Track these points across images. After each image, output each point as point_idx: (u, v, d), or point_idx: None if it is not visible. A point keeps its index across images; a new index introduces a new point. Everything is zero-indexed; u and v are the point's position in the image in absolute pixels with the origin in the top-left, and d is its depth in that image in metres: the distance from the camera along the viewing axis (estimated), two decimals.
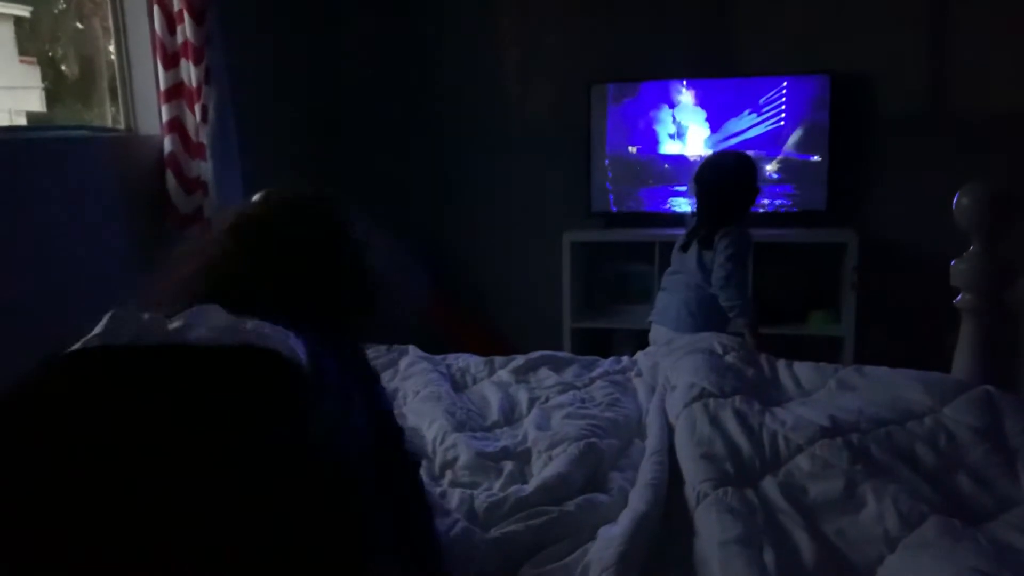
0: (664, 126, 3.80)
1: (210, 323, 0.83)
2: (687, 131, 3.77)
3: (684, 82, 3.76)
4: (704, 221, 2.70)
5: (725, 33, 3.83)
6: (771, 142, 3.67)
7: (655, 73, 3.81)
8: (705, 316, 2.64)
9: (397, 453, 1.17)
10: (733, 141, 3.70)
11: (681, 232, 2.86)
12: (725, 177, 2.70)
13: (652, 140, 3.83)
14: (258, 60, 3.67)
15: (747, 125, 3.69)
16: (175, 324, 0.82)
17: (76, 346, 0.84)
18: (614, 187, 3.90)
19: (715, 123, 3.74)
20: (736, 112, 3.70)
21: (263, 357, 0.80)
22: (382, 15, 4.22)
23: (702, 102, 3.75)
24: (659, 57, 3.87)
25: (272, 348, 0.81)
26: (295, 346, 0.84)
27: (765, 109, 3.67)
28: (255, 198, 1.22)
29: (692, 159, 3.73)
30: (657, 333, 2.77)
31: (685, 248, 2.74)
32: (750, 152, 3.15)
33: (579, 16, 3.98)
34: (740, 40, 3.81)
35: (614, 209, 3.92)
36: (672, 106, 3.78)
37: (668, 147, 3.82)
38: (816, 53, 3.68)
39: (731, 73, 3.74)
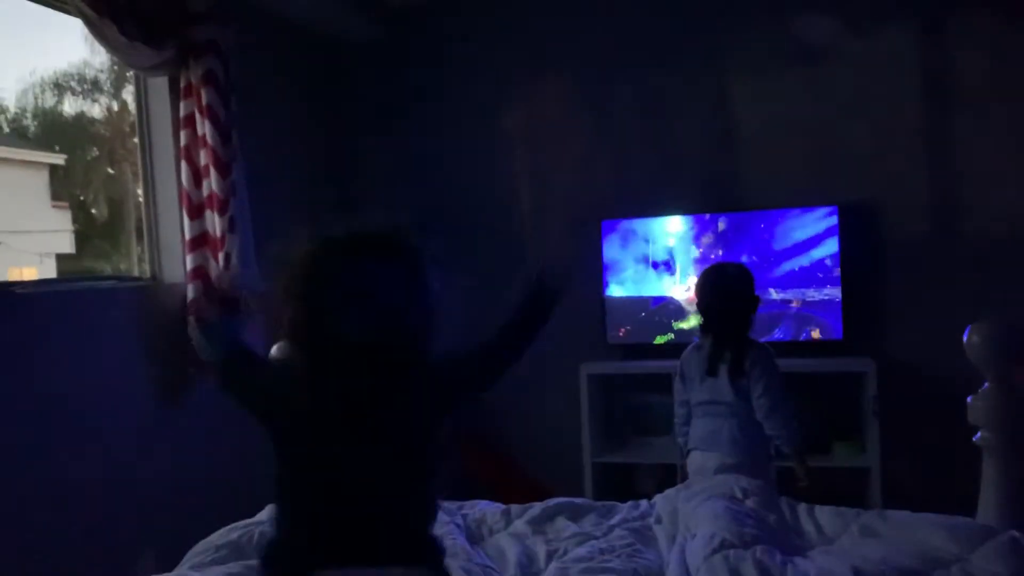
0: (676, 257, 3.86)
1: None
2: (692, 266, 3.82)
3: (693, 217, 3.84)
4: (722, 343, 2.67)
5: (732, 168, 3.93)
6: (784, 272, 3.71)
7: (664, 209, 3.90)
8: (756, 440, 2.60)
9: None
10: None
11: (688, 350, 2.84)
12: (729, 290, 2.69)
13: (665, 270, 3.88)
14: (280, 206, 3.78)
15: (758, 259, 3.73)
16: None
17: None
18: (631, 318, 3.93)
19: (728, 257, 3.79)
20: (747, 245, 3.76)
21: None
22: (398, 147, 4.34)
23: (715, 235, 3.81)
24: (667, 193, 3.96)
25: None
26: None
27: (776, 241, 3.73)
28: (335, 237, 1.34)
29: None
30: (706, 460, 2.66)
31: (712, 373, 2.68)
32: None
33: (590, 153, 4.10)
34: (746, 174, 3.90)
35: (631, 340, 3.94)
36: (682, 238, 3.85)
37: (675, 288, 3.89)
38: (823, 184, 3.76)
39: (738, 207, 3.81)
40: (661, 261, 3.89)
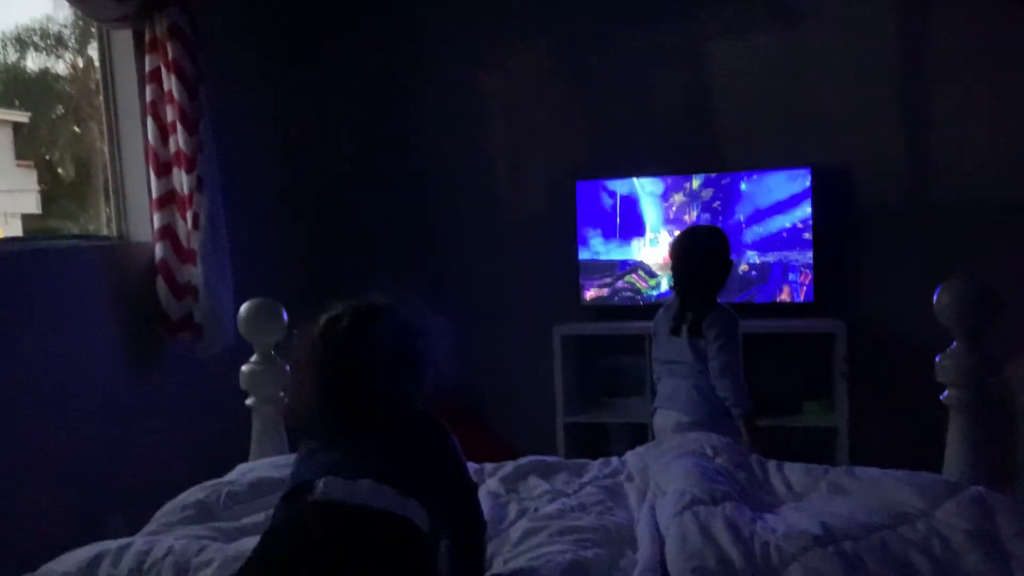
0: (650, 220, 3.85)
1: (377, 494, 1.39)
2: (669, 227, 3.82)
3: (668, 178, 3.83)
4: (687, 304, 2.70)
5: (708, 130, 3.92)
6: (757, 235, 3.72)
7: (639, 169, 3.89)
8: (714, 400, 2.61)
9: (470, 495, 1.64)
10: None
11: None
12: (701, 254, 2.69)
13: (638, 233, 3.88)
14: (250, 167, 3.73)
15: (732, 220, 3.74)
16: (362, 489, 1.39)
17: (313, 498, 1.39)
18: (604, 279, 3.93)
19: (702, 219, 3.79)
20: (722, 207, 3.76)
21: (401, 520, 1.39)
22: (372, 116, 4.32)
23: (691, 196, 3.81)
24: (642, 154, 3.96)
25: (405, 515, 1.39)
26: (413, 509, 1.41)
27: (750, 203, 3.73)
28: (337, 310, 1.57)
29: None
30: (665, 418, 2.72)
31: (675, 332, 2.72)
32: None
33: (566, 114, 4.08)
34: (722, 136, 3.90)
35: (605, 302, 3.95)
36: (657, 200, 3.84)
37: (645, 249, 3.89)
38: (797, 147, 3.76)
39: (714, 169, 3.81)
40: (634, 222, 3.89)
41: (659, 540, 1.69)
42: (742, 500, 1.80)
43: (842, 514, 1.70)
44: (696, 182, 3.80)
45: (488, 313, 4.20)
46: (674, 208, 3.84)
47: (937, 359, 2.09)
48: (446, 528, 1.55)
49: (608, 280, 3.94)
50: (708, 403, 2.62)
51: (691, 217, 3.80)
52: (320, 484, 1.40)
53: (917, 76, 3.70)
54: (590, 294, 3.96)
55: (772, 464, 2.04)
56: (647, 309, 3.81)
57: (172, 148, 3.12)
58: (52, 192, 3.81)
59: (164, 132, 3.12)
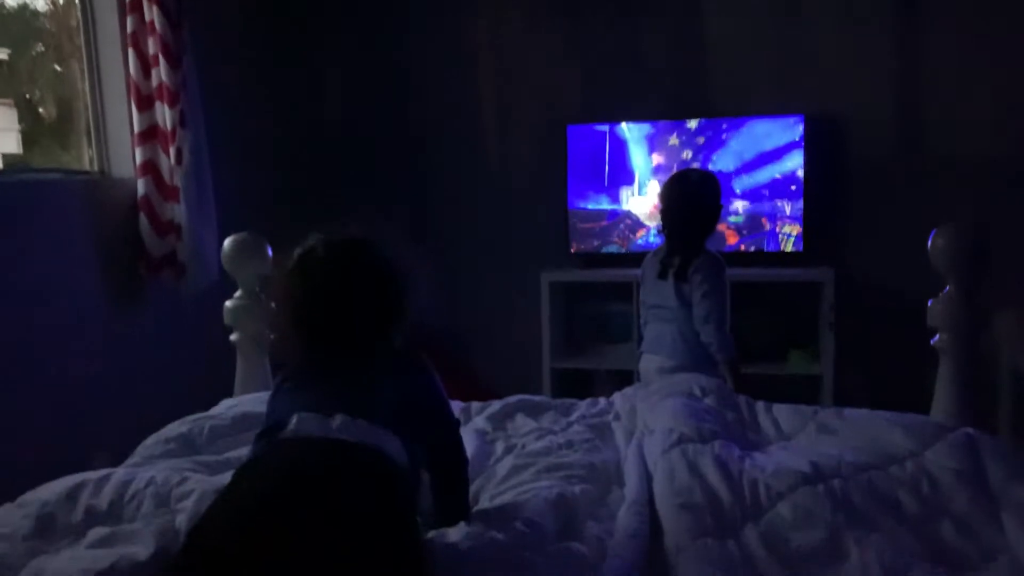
0: (639, 168, 3.81)
1: (350, 427, 1.35)
2: (659, 175, 3.78)
3: (660, 123, 3.78)
4: (675, 248, 2.66)
5: (700, 76, 3.86)
6: (748, 183, 3.69)
7: (630, 114, 3.84)
8: (697, 346, 2.59)
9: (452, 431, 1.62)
10: None
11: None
12: (691, 198, 2.65)
13: (627, 181, 3.84)
14: (234, 102, 3.65)
15: (723, 167, 3.70)
16: (335, 423, 1.35)
17: (285, 435, 1.36)
18: (593, 227, 3.90)
19: (694, 163, 3.75)
20: (714, 153, 3.72)
21: (372, 449, 1.35)
22: (359, 55, 4.23)
23: (682, 142, 3.76)
24: (634, 99, 3.90)
25: (377, 445, 1.35)
26: (387, 440, 1.38)
27: (742, 150, 3.69)
28: (312, 244, 1.53)
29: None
30: (650, 363, 2.72)
31: (662, 276, 2.68)
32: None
33: (557, 58, 4.01)
34: (714, 82, 3.85)
35: (593, 249, 3.92)
36: (647, 146, 3.79)
37: (634, 198, 3.85)
38: (790, 95, 3.72)
39: (706, 115, 3.76)
40: (623, 169, 3.84)
41: (647, 477, 1.68)
42: (731, 439, 1.79)
43: (831, 454, 1.70)
44: (691, 124, 3.76)
45: (476, 258, 4.17)
46: (664, 155, 3.79)
47: (929, 303, 2.07)
48: (428, 464, 1.53)
49: (596, 227, 3.91)
50: (691, 348, 2.60)
51: (683, 162, 3.76)
52: (293, 421, 1.37)
53: (912, 25, 3.64)
54: (578, 241, 3.92)
55: (760, 405, 2.03)
56: (634, 257, 3.79)
57: (154, 82, 3.04)
58: (33, 132, 3.74)
59: (146, 65, 3.04)
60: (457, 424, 1.66)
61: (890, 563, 1.33)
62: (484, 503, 1.65)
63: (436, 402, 1.58)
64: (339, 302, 1.50)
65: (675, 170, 3.65)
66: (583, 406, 2.20)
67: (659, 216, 2.77)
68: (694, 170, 2.97)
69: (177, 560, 1.24)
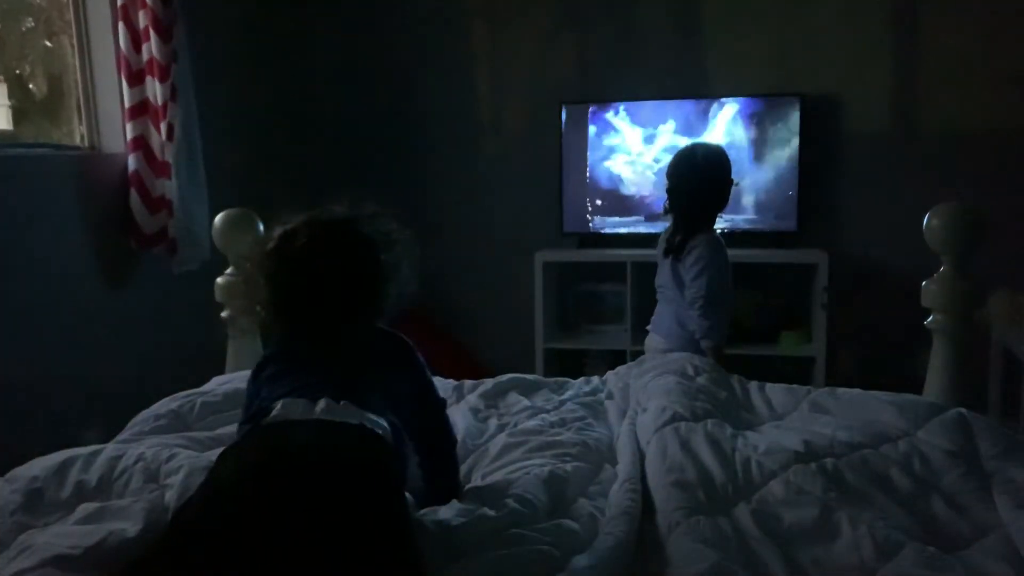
0: (634, 148, 3.79)
1: (335, 410, 1.32)
2: (651, 153, 3.76)
3: (655, 103, 3.76)
4: (679, 224, 2.59)
5: (696, 55, 3.84)
6: (741, 162, 3.67)
7: (626, 94, 3.82)
8: (690, 328, 2.56)
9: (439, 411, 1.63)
10: None
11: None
12: (696, 172, 2.55)
13: (621, 162, 3.82)
14: (225, 78, 3.62)
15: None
16: (319, 407, 1.32)
17: (269, 420, 1.32)
18: (588, 207, 3.88)
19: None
20: (707, 133, 3.71)
21: (360, 429, 1.31)
22: (354, 33, 4.20)
23: (675, 124, 3.75)
24: (630, 79, 3.88)
25: (362, 425, 1.32)
26: (372, 420, 1.34)
27: (735, 130, 3.67)
28: (293, 223, 1.47)
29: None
30: (649, 341, 2.70)
31: (666, 254, 2.61)
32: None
33: (551, 37, 3.99)
34: (710, 62, 3.83)
35: (587, 229, 3.90)
36: (642, 126, 3.78)
37: (629, 178, 3.82)
38: (785, 75, 3.70)
39: (701, 95, 3.74)
40: (619, 148, 3.82)
41: (639, 455, 1.67)
42: (724, 418, 1.78)
43: (824, 432, 1.70)
44: (687, 104, 3.73)
45: (470, 237, 4.15)
46: (659, 135, 3.77)
47: (923, 284, 2.07)
48: (416, 447, 1.51)
49: (590, 207, 3.89)
50: (685, 331, 2.57)
51: (678, 143, 3.73)
52: (278, 406, 1.33)
53: (909, 6, 3.63)
54: (571, 221, 3.91)
55: (754, 384, 2.03)
56: (628, 238, 3.79)
57: (145, 56, 3.01)
58: (23, 108, 3.70)
59: (136, 39, 3.00)
60: (443, 404, 1.65)
61: (882, 540, 1.32)
62: (476, 481, 1.64)
63: (420, 385, 1.57)
64: (319, 287, 1.44)
65: (681, 148, 3.60)
66: (576, 385, 2.19)
67: (666, 191, 2.65)
68: (701, 144, 2.79)
69: (163, 541, 1.23)
